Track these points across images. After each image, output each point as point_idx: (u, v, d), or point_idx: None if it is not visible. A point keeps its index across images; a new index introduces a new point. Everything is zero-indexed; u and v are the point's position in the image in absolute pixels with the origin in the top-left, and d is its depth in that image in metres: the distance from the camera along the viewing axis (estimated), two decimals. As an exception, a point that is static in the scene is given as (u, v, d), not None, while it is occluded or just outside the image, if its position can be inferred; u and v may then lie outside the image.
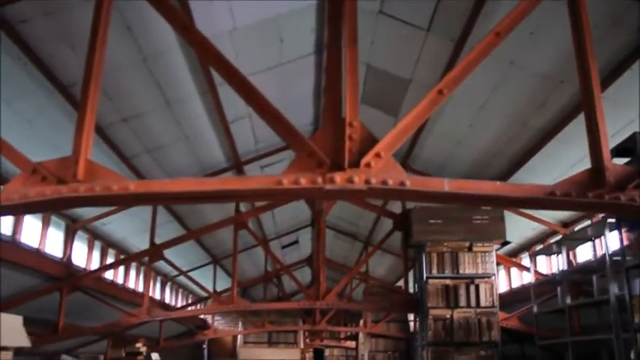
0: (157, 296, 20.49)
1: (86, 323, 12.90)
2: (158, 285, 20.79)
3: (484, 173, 12.51)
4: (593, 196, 4.23)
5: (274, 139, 13.41)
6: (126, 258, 14.41)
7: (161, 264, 19.02)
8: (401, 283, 23.65)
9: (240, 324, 24.96)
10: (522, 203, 5.10)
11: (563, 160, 10.37)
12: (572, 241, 11.42)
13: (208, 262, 21.38)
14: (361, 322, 23.11)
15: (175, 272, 19.45)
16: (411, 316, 22.35)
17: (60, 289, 12.31)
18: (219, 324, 28.68)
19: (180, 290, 23.89)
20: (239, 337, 25.37)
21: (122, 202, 6.23)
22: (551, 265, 14.09)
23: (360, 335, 23.84)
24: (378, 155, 4.34)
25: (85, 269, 13.40)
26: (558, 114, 9.62)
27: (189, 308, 21.44)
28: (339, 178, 4.25)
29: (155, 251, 12.96)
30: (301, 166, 4.37)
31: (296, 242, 24.76)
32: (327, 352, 31.47)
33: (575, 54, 4.55)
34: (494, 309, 12.00)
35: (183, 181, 4.37)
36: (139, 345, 14.18)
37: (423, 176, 13.70)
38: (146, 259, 13.23)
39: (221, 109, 11.03)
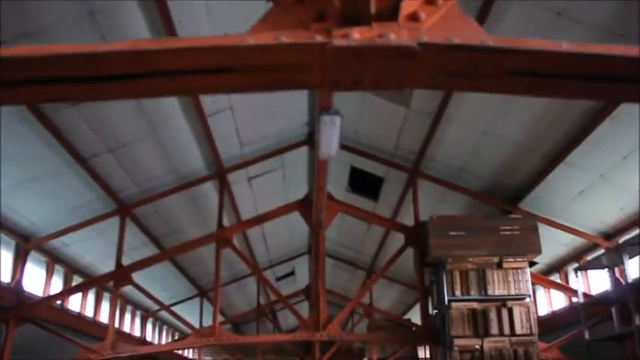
0: (137, 333, 18.20)
1: (38, 363, 10.70)
2: (137, 320, 18.51)
3: (516, 172, 10.55)
4: None
5: (261, 142, 11.50)
6: (85, 282, 12.19)
7: (141, 297, 16.99)
8: (409, 315, 21.61)
9: (232, 365, 22.64)
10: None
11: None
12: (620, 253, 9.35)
13: (194, 295, 19.17)
14: (364, 359, 20.93)
15: (157, 307, 17.43)
16: (421, 352, 20.20)
17: (6, 320, 10.17)
18: (209, 365, 26.37)
19: (165, 327, 21.58)
20: (231, 378, 23.00)
21: None
22: (587, 283, 11.95)
23: (365, 375, 21.54)
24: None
25: (38, 297, 11.20)
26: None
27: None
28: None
29: (122, 274, 10.82)
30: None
31: (292, 274, 22.57)
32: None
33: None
34: (533, 337, 9.85)
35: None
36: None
37: (435, 183, 11.92)
38: (111, 283, 11.08)
39: (196, 96, 9.05)
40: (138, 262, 11.17)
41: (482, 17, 7.13)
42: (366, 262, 19.23)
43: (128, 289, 15.80)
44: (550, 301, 13.35)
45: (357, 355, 29.00)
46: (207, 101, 9.41)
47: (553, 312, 13.17)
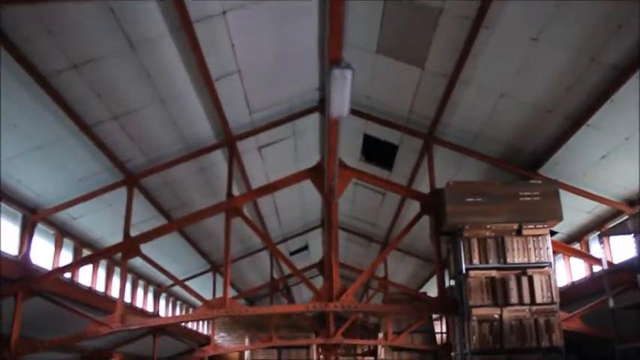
0: (149, 308, 18.05)
1: (47, 336, 10.49)
2: (150, 296, 18.35)
3: (535, 136, 10.12)
4: None
5: (271, 109, 11.14)
6: (93, 255, 11.93)
7: (153, 272, 16.80)
8: (425, 289, 21.29)
9: (247, 340, 22.54)
10: None
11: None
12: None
13: (207, 270, 18.96)
14: (380, 335, 20.70)
15: (170, 282, 17.25)
16: (437, 327, 19.96)
17: (14, 292, 9.99)
18: (224, 340, 26.37)
19: (179, 303, 21.44)
20: (246, 354, 22.94)
21: None
22: (610, 252, 11.52)
23: (380, 350, 21.34)
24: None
25: (46, 271, 10.98)
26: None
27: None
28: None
29: (130, 245, 10.56)
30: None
31: (305, 248, 22.28)
32: (342, 370, 29.07)
33: None
34: (554, 306, 9.52)
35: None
36: (114, 361, 11.75)
37: (452, 149, 11.47)
38: (119, 255, 10.81)
39: (201, 57, 8.67)
40: (146, 234, 10.89)
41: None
42: (381, 235, 18.90)
43: (140, 264, 15.67)
44: (570, 271, 12.95)
45: (371, 330, 28.90)
46: (213, 64, 9.02)
47: (572, 282, 12.78)
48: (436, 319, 20.02)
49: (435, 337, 19.09)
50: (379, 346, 21.26)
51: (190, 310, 22.15)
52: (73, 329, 10.68)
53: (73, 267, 11.11)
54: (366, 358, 26.57)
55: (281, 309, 14.08)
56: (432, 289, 20.05)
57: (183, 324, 21.14)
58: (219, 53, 8.92)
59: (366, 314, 27.72)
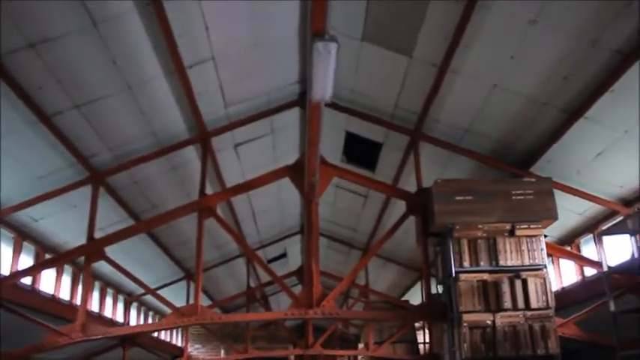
0: (120, 318, 17.16)
1: (1, 349, 9.63)
2: (120, 305, 17.47)
3: (528, 131, 9.56)
4: None
5: (249, 102, 10.45)
6: (53, 258, 11.05)
7: (123, 280, 15.95)
8: (407, 297, 20.64)
9: (222, 352, 21.73)
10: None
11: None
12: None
13: (181, 278, 18.12)
14: (360, 345, 19.98)
15: (142, 290, 16.39)
16: (420, 336, 19.28)
17: (-36, 301, 9.14)
18: (199, 352, 25.45)
19: (151, 313, 20.54)
20: (220, 366, 22.10)
21: None
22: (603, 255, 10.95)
23: (361, 360, 20.62)
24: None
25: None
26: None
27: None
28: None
29: (94, 248, 9.75)
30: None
31: (284, 255, 21.53)
32: (321, 382, 28.23)
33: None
34: (550, 311, 8.90)
35: None
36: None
37: (439, 146, 10.88)
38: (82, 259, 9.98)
39: (172, 39, 7.96)
40: (112, 235, 10.09)
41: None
42: (362, 241, 18.24)
43: (108, 271, 14.81)
44: (560, 276, 12.41)
45: (351, 341, 28.13)
46: (186, 48, 8.32)
47: (563, 288, 12.22)
48: (419, 329, 19.36)
49: (418, 347, 18.40)
50: (360, 357, 20.54)
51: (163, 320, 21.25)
52: (32, 341, 9.82)
53: (31, 272, 10.21)
54: (346, 369, 25.78)
55: (257, 316, 13.32)
56: (414, 298, 19.42)
57: (155, 334, 20.32)
58: (191, 36, 8.23)
59: (345, 324, 27.01)
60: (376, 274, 20.31)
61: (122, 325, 16.77)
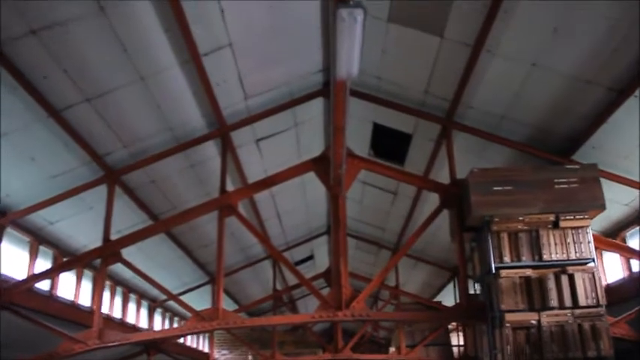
0: (144, 325, 16.71)
1: (14, 355, 9.17)
2: (144, 311, 17.02)
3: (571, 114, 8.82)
4: None
5: (269, 93, 9.90)
6: (67, 261, 10.57)
7: (147, 285, 15.51)
8: (438, 298, 19.91)
9: (249, 358, 21.21)
10: None
11: None
12: None
13: (205, 282, 17.63)
14: (391, 349, 19.29)
15: (165, 296, 15.94)
16: (454, 339, 18.55)
17: (-24, 305, 8.70)
18: (225, 358, 24.99)
19: (176, 319, 20.07)
20: (248, 373, 21.58)
21: None
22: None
23: (392, 365, 19.89)
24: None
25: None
26: None
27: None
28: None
29: (109, 249, 9.26)
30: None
31: (311, 257, 20.95)
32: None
33: None
34: (600, 309, 8.17)
35: None
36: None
37: (473, 134, 10.20)
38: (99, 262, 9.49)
39: (185, 24, 7.44)
40: (129, 236, 9.59)
41: None
42: (391, 240, 17.58)
43: (130, 276, 14.39)
44: (604, 272, 11.59)
45: (382, 345, 27.43)
46: (201, 35, 7.79)
47: (608, 284, 11.40)
48: (452, 331, 18.65)
49: (451, 351, 17.70)
50: (392, 361, 19.84)
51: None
52: (49, 348, 9.35)
53: (45, 276, 9.72)
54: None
55: (282, 320, 12.68)
56: (446, 299, 18.70)
57: (181, 340, 19.87)
58: (206, 21, 7.69)
59: (375, 328, 26.36)
60: (407, 275, 19.64)
61: (140, 329, 16.29)
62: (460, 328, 18.02)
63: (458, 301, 10.08)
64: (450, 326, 17.76)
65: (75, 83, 7.82)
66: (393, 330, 21.47)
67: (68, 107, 8.11)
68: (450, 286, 18.10)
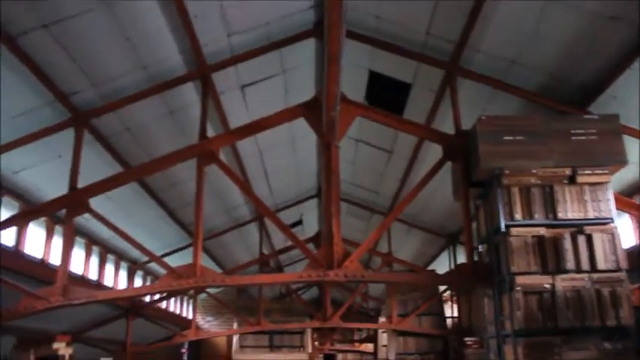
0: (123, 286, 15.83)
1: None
2: (124, 273, 16.14)
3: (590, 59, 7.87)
4: None
5: (255, 31, 8.88)
6: (27, 211, 9.55)
7: (127, 247, 14.62)
8: (432, 266, 19.13)
9: (235, 324, 20.41)
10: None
11: None
12: None
13: (188, 245, 16.71)
14: (380, 319, 18.58)
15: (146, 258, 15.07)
16: (448, 310, 17.82)
17: None
18: (210, 325, 24.35)
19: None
20: (234, 340, 20.79)
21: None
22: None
23: (382, 336, 19.15)
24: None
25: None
26: None
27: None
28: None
29: (76, 199, 8.31)
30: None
31: (299, 223, 20.06)
32: (339, 357, 26.94)
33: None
34: (621, 274, 7.35)
35: None
36: (57, 345, 9.47)
37: (480, 82, 9.20)
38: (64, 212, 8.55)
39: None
40: (97, 184, 8.58)
41: None
42: (384, 205, 16.69)
43: (108, 235, 13.46)
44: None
45: (371, 316, 26.79)
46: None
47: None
48: (445, 301, 17.90)
49: (445, 321, 16.96)
50: (379, 331, 19.13)
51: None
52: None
53: (3, 226, 8.70)
54: (365, 344, 24.40)
55: (268, 279, 11.68)
56: (440, 267, 17.90)
57: (164, 306, 19.08)
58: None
59: (365, 298, 25.68)
60: (399, 242, 18.81)
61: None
62: (454, 299, 17.31)
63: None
64: (443, 296, 17.01)
65: (31, 7, 6.78)
66: (383, 301, 20.75)
67: (23, 34, 7.07)
68: (444, 255, 17.32)
